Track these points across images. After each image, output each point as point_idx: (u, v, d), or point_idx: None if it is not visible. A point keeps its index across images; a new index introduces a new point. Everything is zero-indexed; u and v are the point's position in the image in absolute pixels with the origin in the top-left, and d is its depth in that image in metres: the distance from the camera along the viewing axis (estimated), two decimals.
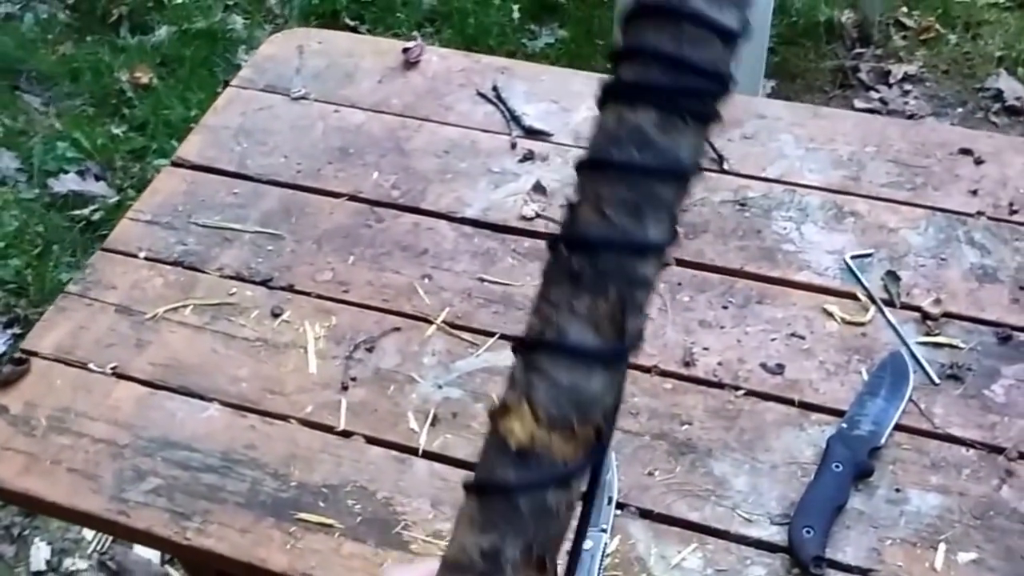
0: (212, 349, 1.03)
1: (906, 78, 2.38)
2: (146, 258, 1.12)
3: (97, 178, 2.17)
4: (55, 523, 1.70)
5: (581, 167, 0.40)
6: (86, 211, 2.10)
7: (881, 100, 2.34)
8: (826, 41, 2.50)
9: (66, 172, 2.15)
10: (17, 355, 1.02)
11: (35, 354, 1.03)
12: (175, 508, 0.91)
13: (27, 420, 0.98)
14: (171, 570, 1.62)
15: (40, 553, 1.66)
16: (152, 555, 1.63)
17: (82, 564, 1.65)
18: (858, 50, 2.48)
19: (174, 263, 1.11)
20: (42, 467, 0.95)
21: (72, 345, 1.04)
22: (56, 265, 2.02)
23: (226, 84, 2.33)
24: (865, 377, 0.99)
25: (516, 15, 2.59)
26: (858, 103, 2.31)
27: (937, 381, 0.98)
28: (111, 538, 1.67)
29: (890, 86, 2.38)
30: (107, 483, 0.93)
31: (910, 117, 2.28)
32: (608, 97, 0.39)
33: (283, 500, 0.92)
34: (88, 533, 1.68)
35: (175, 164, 1.22)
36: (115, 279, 1.10)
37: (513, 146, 1.21)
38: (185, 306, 1.07)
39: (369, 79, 1.31)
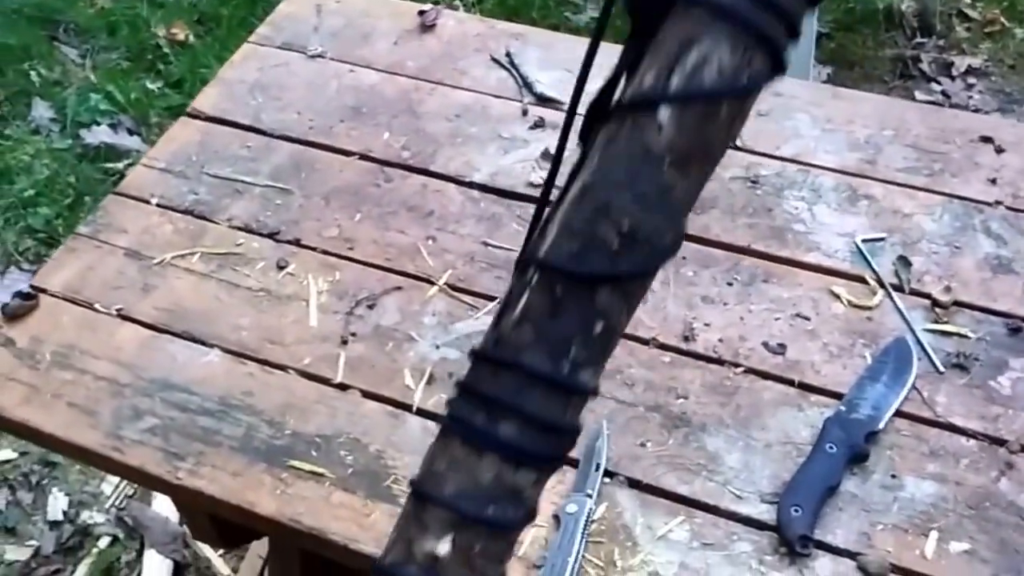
0: (216, 297, 1.02)
1: (970, 71, 2.30)
2: (158, 204, 1.11)
3: (130, 132, 2.17)
4: (74, 474, 1.70)
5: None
6: (120, 164, 2.10)
7: (943, 93, 2.26)
8: (885, 29, 2.42)
9: (99, 124, 2.15)
10: (26, 290, 1.02)
11: (44, 291, 1.03)
12: (169, 448, 0.91)
13: (32, 354, 0.98)
14: (188, 529, 1.62)
15: (58, 503, 1.67)
16: (170, 513, 1.63)
17: (99, 518, 1.65)
18: (919, 40, 2.39)
19: (185, 211, 1.10)
20: (43, 400, 0.94)
21: (80, 285, 1.04)
22: (86, 216, 2.03)
23: None
24: (868, 361, 0.96)
25: None
26: (919, 95, 2.23)
27: (942, 369, 0.95)
28: (130, 494, 1.68)
29: (953, 79, 2.29)
30: (105, 419, 0.93)
31: (975, 112, 2.20)
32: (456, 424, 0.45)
33: (276, 447, 0.91)
34: (107, 487, 1.68)
35: (190, 115, 1.21)
36: (126, 223, 1.09)
37: (524, 113, 1.19)
38: (193, 254, 1.06)
39: (385, 40, 1.29)
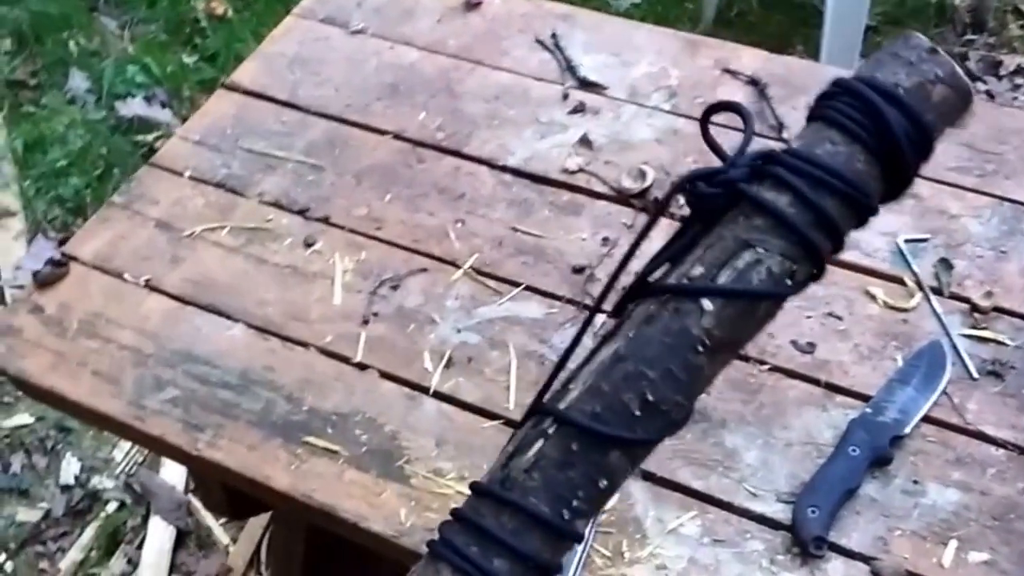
0: (243, 271, 1.11)
1: (1018, 71, 2.32)
2: (190, 177, 1.20)
3: (163, 105, 2.28)
4: (87, 440, 1.83)
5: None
6: (150, 137, 2.22)
7: (988, 92, 2.28)
8: (935, 24, 2.45)
9: (134, 96, 2.28)
10: (58, 258, 1.11)
11: (75, 259, 1.12)
12: (189, 419, 0.99)
13: (60, 321, 1.07)
14: (193, 498, 1.73)
15: (70, 468, 1.79)
16: (177, 481, 1.74)
17: (109, 483, 1.77)
18: (969, 36, 2.42)
19: (217, 184, 1.19)
20: (68, 367, 1.04)
21: (110, 254, 1.13)
22: (115, 188, 2.14)
23: None
24: (900, 364, 1.00)
25: None
26: None
27: (976, 376, 0.99)
28: (139, 461, 1.79)
29: (1000, 78, 2.32)
30: (127, 388, 1.02)
31: None
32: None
33: (293, 423, 0.99)
34: (118, 454, 1.81)
35: (227, 88, 1.30)
36: (159, 194, 1.18)
37: (565, 97, 1.25)
38: (222, 227, 1.15)
39: (428, 17, 1.37)
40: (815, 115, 0.55)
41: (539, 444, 0.52)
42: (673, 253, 0.55)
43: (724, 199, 0.54)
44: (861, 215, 0.53)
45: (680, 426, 0.53)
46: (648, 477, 0.94)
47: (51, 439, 1.83)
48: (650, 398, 0.51)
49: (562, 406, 0.52)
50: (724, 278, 0.51)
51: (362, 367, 1.03)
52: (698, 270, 0.52)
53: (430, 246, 1.12)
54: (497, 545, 0.51)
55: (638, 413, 0.51)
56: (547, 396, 0.55)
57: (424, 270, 1.10)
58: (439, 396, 1.00)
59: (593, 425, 0.51)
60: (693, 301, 0.51)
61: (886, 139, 0.52)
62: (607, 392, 0.51)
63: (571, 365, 0.56)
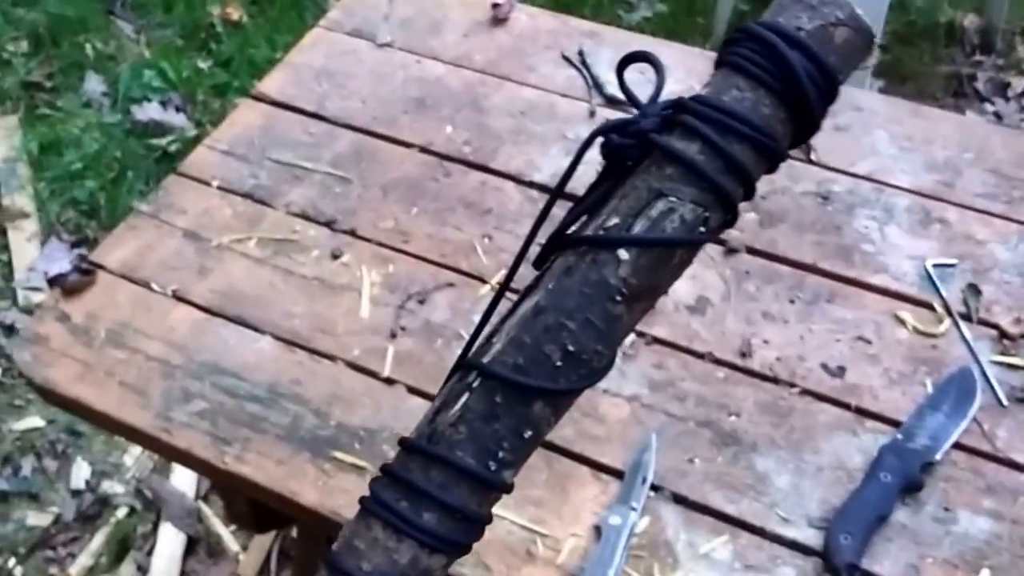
0: (270, 283, 1.09)
1: None
2: (218, 187, 1.19)
3: (178, 109, 2.27)
4: (98, 445, 1.81)
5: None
6: (163, 141, 2.21)
7: (996, 114, 2.29)
8: (944, 44, 2.45)
9: (149, 100, 2.26)
10: (84, 266, 1.10)
11: (102, 267, 1.11)
12: (217, 432, 0.98)
13: (87, 330, 1.06)
14: (203, 505, 1.71)
15: (81, 472, 1.77)
16: (188, 488, 1.73)
17: (119, 488, 1.76)
18: (977, 58, 2.43)
19: (244, 195, 1.18)
20: (95, 377, 1.02)
21: (138, 263, 1.11)
22: (129, 191, 2.13)
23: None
24: (929, 390, 0.99)
25: None
26: (970, 114, 2.27)
27: (1005, 403, 0.98)
28: (150, 467, 1.77)
29: (1008, 100, 2.32)
30: (155, 400, 1.00)
31: None
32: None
33: (321, 437, 0.97)
34: (128, 459, 1.79)
35: (255, 98, 1.29)
36: (186, 204, 1.17)
37: (592, 114, 1.24)
38: (250, 238, 1.13)
39: (455, 32, 1.35)
40: (721, 61, 0.55)
41: (464, 398, 0.52)
42: (589, 205, 0.55)
43: (637, 149, 0.54)
44: (771, 160, 0.54)
45: (601, 375, 0.53)
46: (680, 500, 0.93)
47: (62, 443, 1.81)
48: (571, 348, 0.51)
49: (485, 360, 0.52)
50: (639, 227, 0.52)
51: (390, 382, 1.01)
52: (613, 220, 0.52)
53: (457, 261, 1.11)
54: (426, 499, 0.51)
55: (560, 364, 0.51)
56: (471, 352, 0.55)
57: (451, 285, 1.09)
58: None
59: (516, 377, 0.51)
60: (610, 251, 0.51)
61: (791, 83, 0.52)
62: (529, 344, 0.52)
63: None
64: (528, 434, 0.52)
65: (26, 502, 1.74)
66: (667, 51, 1.32)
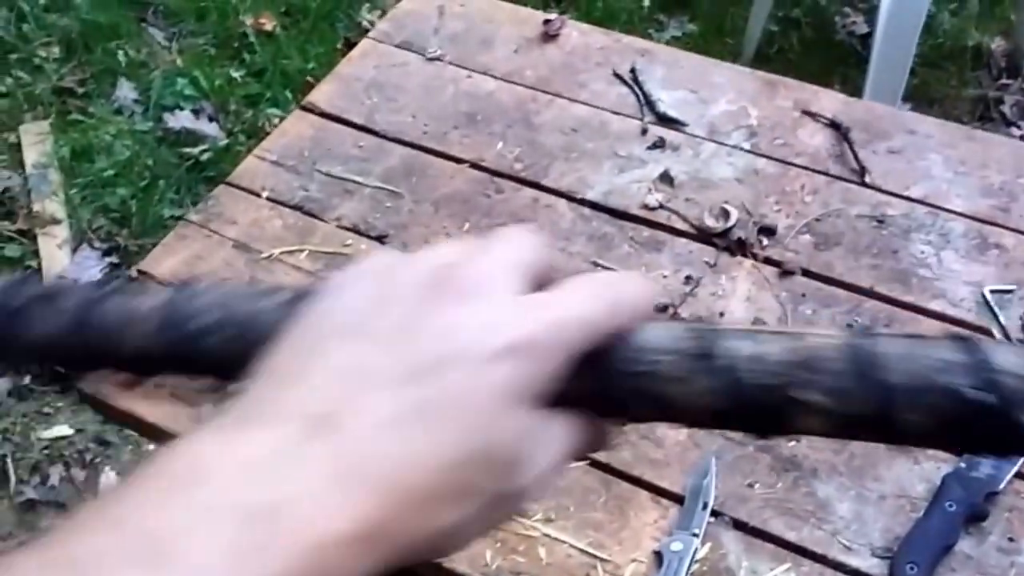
0: None
1: None
2: (268, 198, 1.17)
3: (210, 119, 2.26)
4: (126, 454, 1.78)
5: None
6: (195, 150, 2.19)
7: (1022, 138, 2.27)
8: (971, 67, 2.44)
9: (182, 109, 2.25)
10: (133, 275, 1.08)
11: (152, 277, 1.09)
12: None
13: None
14: None
15: (109, 482, 1.75)
16: None
17: None
18: (1004, 81, 2.41)
19: (294, 207, 1.16)
20: (146, 388, 1.00)
21: (187, 273, 1.09)
22: (160, 199, 2.12)
23: (346, 40, 2.43)
24: None
25: (647, 3, 2.60)
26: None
27: None
28: None
29: None
30: (207, 413, 0.98)
31: None
32: None
33: None
34: None
35: (305, 109, 1.27)
36: (236, 214, 1.15)
37: (644, 132, 1.23)
38: (301, 251, 1.11)
39: (506, 47, 1.34)
40: None
41: None
42: None
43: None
44: None
45: None
46: (740, 526, 0.90)
47: (90, 452, 1.79)
48: None
49: None
50: None
51: None
52: None
53: None
54: None
55: None
56: None
57: None
58: None
59: None
60: None
61: None
62: None
63: None
64: None
65: (54, 511, 1.72)
66: (717, 71, 1.30)
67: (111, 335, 0.44)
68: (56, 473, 1.76)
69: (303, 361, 0.35)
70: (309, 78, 2.30)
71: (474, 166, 1.20)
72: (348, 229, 1.14)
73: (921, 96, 2.39)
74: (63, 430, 1.82)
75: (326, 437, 0.32)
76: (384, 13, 2.47)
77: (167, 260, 1.11)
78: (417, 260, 0.37)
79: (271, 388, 0.35)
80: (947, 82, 2.44)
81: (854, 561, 0.88)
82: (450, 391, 0.33)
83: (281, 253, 1.11)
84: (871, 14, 2.52)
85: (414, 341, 0.34)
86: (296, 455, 0.31)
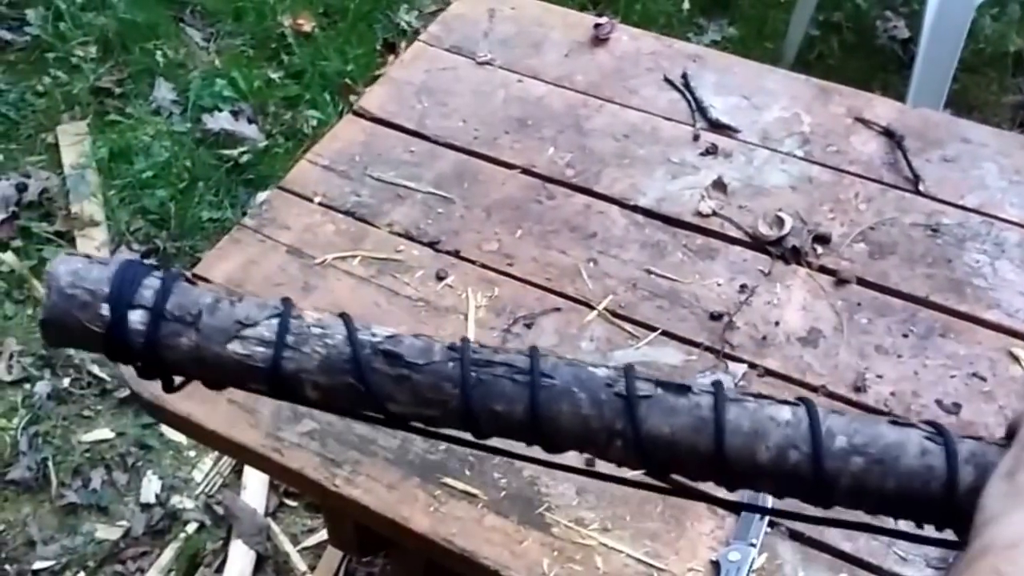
0: (375, 302, 1.09)
1: None
2: (320, 203, 1.19)
3: (249, 120, 2.28)
4: (167, 459, 1.81)
5: None
6: (234, 152, 2.21)
7: None
8: (1012, 74, 2.42)
9: (220, 110, 2.27)
10: (189, 277, 1.10)
11: (207, 280, 1.11)
12: (326, 454, 0.97)
13: None
14: (273, 523, 1.71)
15: (151, 486, 1.77)
16: (258, 505, 1.72)
17: (189, 503, 1.75)
18: None
19: (346, 212, 1.18)
20: (204, 394, 1.00)
21: (242, 278, 1.11)
22: (199, 201, 2.14)
23: (385, 42, 2.45)
24: None
25: (686, 6, 2.60)
26: None
27: None
28: (219, 483, 1.77)
29: None
30: (264, 419, 1.00)
31: None
32: None
33: (431, 462, 0.96)
34: (198, 474, 1.78)
35: (356, 113, 1.29)
36: (289, 220, 1.17)
37: (696, 138, 1.23)
38: (354, 256, 1.13)
39: (556, 51, 1.35)
40: None
41: None
42: None
43: None
44: None
45: None
46: (796, 537, 0.91)
47: (131, 456, 1.81)
48: None
49: None
50: None
51: None
52: None
53: (563, 285, 1.10)
54: None
55: None
56: None
57: (558, 309, 1.08)
58: None
59: None
60: None
61: None
62: None
63: None
64: None
65: (95, 515, 1.74)
66: (770, 77, 1.31)
67: None
68: (98, 476, 1.78)
69: None
70: (347, 80, 2.32)
71: (525, 172, 1.22)
72: (400, 235, 1.15)
73: (960, 102, 2.37)
74: (104, 433, 1.84)
75: None
76: (421, 14, 2.49)
77: (222, 265, 1.13)
78: None
79: None
80: (987, 88, 2.43)
81: (909, 572, 0.88)
82: None
83: (334, 259, 1.13)
84: (913, 19, 2.52)
85: None
86: None
